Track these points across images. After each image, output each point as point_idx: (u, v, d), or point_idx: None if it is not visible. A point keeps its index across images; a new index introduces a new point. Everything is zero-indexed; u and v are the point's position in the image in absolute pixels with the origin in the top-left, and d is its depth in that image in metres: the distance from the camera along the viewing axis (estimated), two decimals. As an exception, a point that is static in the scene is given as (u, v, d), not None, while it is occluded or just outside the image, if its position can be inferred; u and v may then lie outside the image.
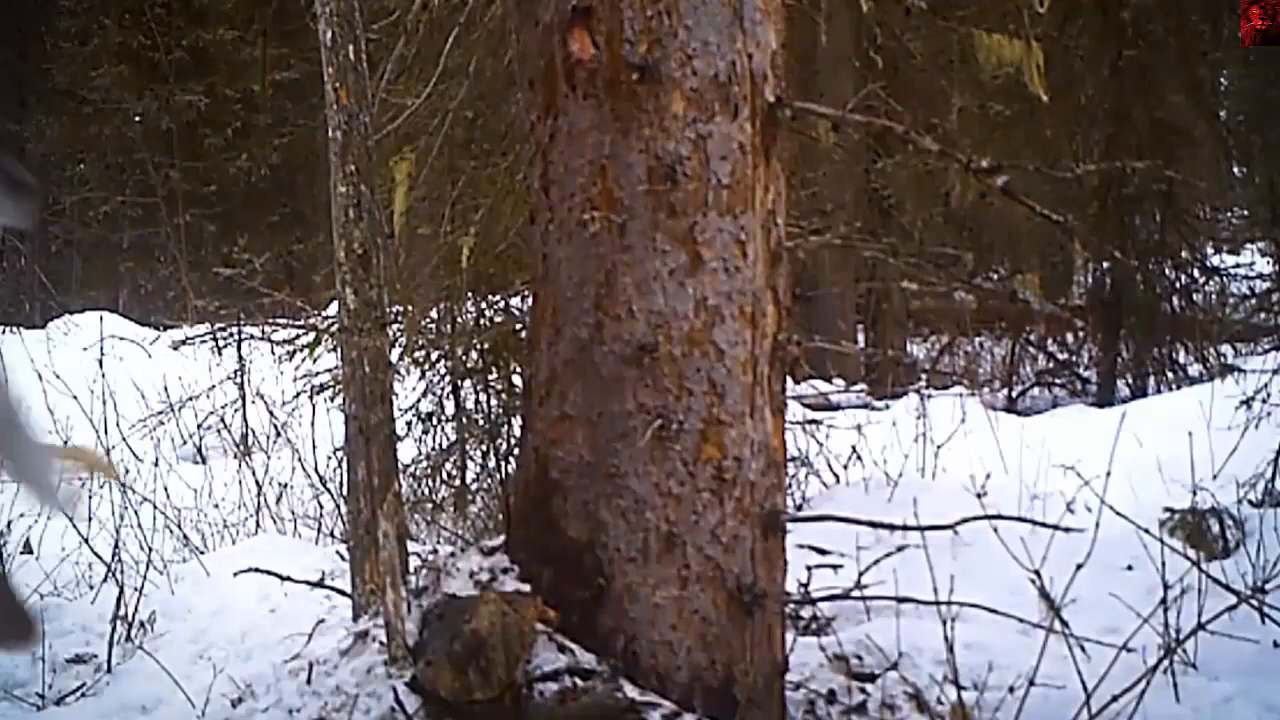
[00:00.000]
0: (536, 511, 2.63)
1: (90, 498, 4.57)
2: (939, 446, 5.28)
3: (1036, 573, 2.76)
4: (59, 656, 3.58)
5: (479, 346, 5.46)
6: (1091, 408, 7.71)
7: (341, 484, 5.13)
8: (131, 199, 15.00)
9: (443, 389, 5.76)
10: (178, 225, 13.60)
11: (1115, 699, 2.57)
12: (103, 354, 5.33)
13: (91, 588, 4.25)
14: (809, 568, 3.53)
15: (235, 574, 3.50)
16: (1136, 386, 9.14)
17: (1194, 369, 9.08)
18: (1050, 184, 7.11)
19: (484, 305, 5.52)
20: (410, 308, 4.79)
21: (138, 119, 14.74)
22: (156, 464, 5.26)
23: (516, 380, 5.37)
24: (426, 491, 5.82)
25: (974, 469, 4.53)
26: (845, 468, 5.39)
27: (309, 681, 2.66)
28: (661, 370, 2.52)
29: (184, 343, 8.19)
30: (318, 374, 5.94)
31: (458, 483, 5.79)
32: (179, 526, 5.07)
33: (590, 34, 2.59)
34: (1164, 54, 8.82)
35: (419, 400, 5.79)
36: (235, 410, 7.71)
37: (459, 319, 5.53)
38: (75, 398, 5.12)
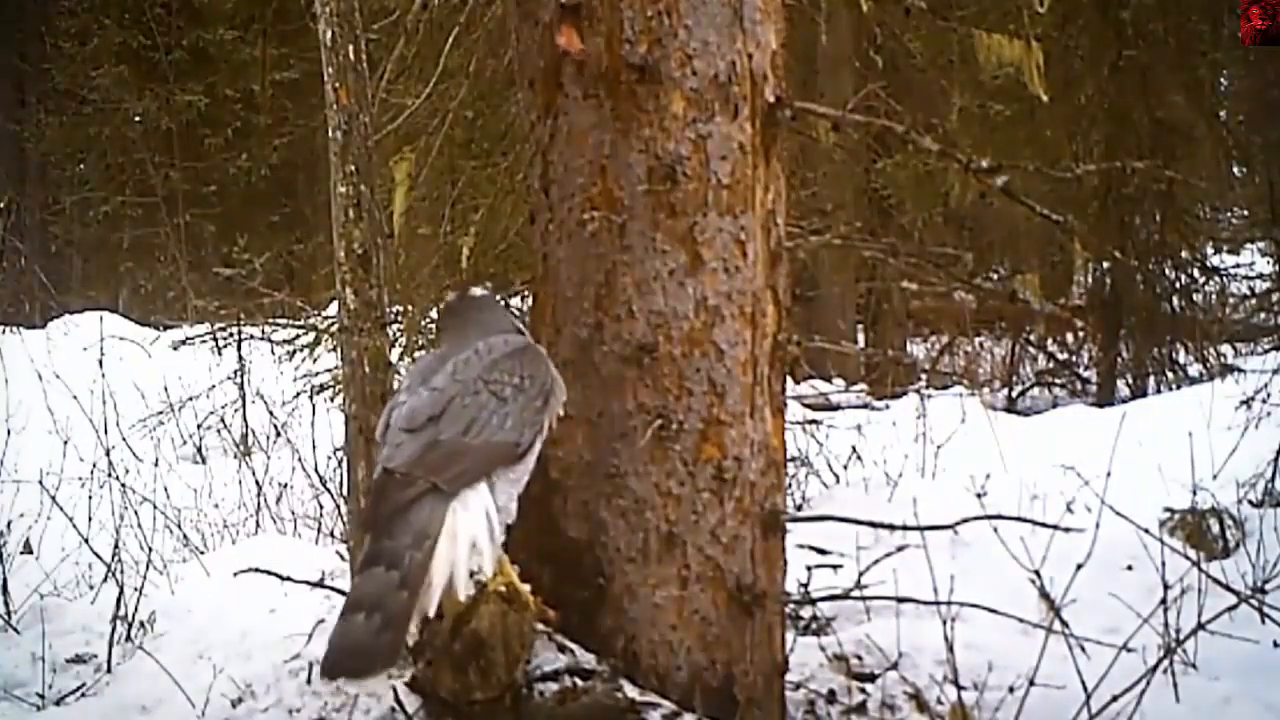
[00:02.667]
0: (536, 511, 2.63)
1: (90, 498, 4.58)
2: (939, 446, 5.28)
3: (1036, 573, 2.76)
4: (59, 656, 3.57)
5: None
6: (1091, 408, 7.71)
7: (341, 484, 5.13)
8: (131, 199, 15.00)
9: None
10: (178, 225, 13.60)
11: (1115, 699, 2.56)
12: (103, 354, 5.33)
13: (91, 588, 4.25)
14: (809, 568, 3.53)
15: (235, 574, 3.49)
16: (1136, 386, 9.14)
17: (1194, 369, 9.09)
18: (1050, 184, 7.11)
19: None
20: (410, 308, 4.79)
21: (138, 119, 14.74)
22: (156, 464, 5.27)
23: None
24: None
25: (974, 469, 4.54)
26: (845, 468, 5.40)
27: (309, 681, 2.67)
28: (661, 370, 2.52)
29: (184, 343, 8.19)
30: (318, 374, 5.94)
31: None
32: (179, 526, 5.07)
33: (578, 30, 2.59)
34: (1164, 54, 8.81)
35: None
36: (235, 410, 7.72)
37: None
38: (75, 398, 5.12)
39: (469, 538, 2.18)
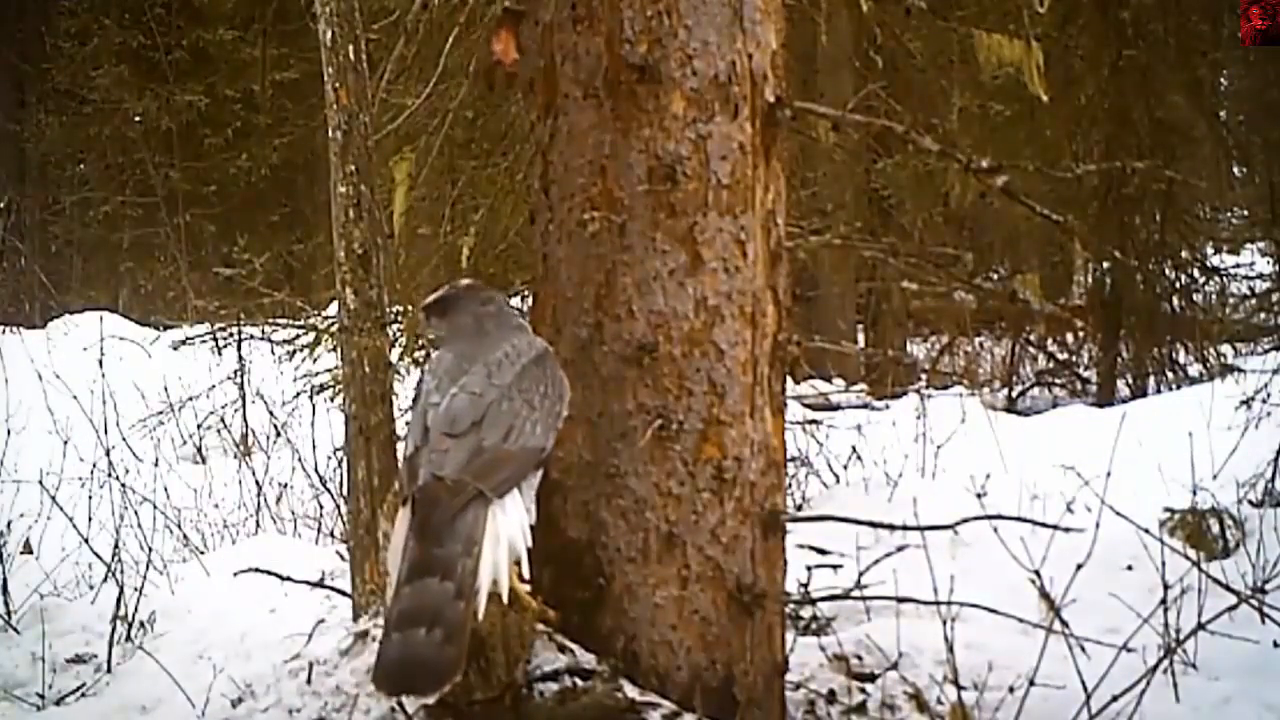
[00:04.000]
0: (537, 512, 2.63)
1: (90, 498, 4.59)
2: (939, 446, 5.28)
3: (1036, 573, 2.76)
4: (59, 656, 3.58)
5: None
6: (1091, 408, 7.71)
7: (341, 484, 5.14)
8: (131, 199, 15.01)
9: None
10: (178, 225, 13.60)
11: (1115, 699, 2.57)
12: (103, 354, 5.33)
13: (91, 588, 4.25)
14: (809, 568, 3.54)
15: (235, 574, 3.49)
16: (1136, 386, 9.14)
17: (1194, 369, 9.09)
18: (1050, 184, 7.11)
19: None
20: (410, 308, 4.78)
21: (138, 119, 14.75)
22: (156, 464, 5.27)
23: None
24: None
25: (974, 469, 4.54)
26: (845, 468, 5.40)
27: (309, 681, 2.66)
28: (661, 370, 2.52)
29: (184, 343, 8.19)
30: (318, 374, 5.94)
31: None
32: (179, 526, 5.08)
33: (516, 37, 2.61)
34: (1164, 54, 8.81)
35: (419, 400, 5.78)
36: (235, 410, 7.72)
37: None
38: (75, 398, 5.13)
39: (508, 540, 2.19)
